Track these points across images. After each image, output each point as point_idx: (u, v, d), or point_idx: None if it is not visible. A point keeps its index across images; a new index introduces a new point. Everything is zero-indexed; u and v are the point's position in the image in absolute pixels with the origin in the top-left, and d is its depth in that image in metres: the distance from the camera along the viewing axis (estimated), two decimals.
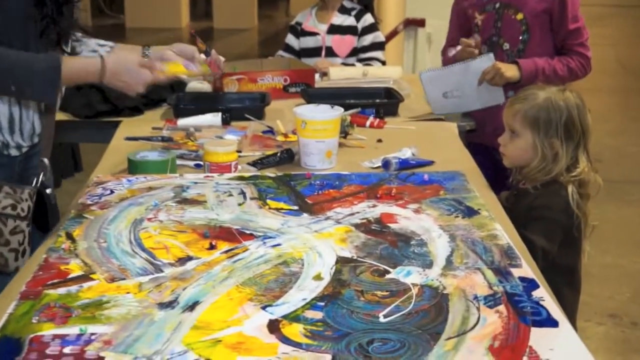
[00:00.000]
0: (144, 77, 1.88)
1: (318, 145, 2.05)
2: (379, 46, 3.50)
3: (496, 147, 2.11)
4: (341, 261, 1.45)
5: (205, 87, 2.97)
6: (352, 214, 1.69)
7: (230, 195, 1.80)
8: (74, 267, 1.42)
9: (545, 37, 2.62)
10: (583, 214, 1.94)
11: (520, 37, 2.62)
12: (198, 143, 2.27)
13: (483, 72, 2.58)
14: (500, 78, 2.56)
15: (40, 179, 1.72)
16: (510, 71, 2.56)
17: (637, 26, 11.50)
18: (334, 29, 3.46)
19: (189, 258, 1.47)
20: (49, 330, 1.20)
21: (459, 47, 2.67)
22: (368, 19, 3.47)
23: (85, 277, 1.38)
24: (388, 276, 1.39)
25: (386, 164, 2.06)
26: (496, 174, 2.29)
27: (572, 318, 1.95)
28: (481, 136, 2.73)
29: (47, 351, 1.14)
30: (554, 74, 2.53)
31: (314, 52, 3.49)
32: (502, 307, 1.27)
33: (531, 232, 1.84)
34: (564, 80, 2.52)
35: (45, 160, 1.77)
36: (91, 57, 1.93)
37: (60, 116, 2.40)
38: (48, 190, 1.72)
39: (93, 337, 1.18)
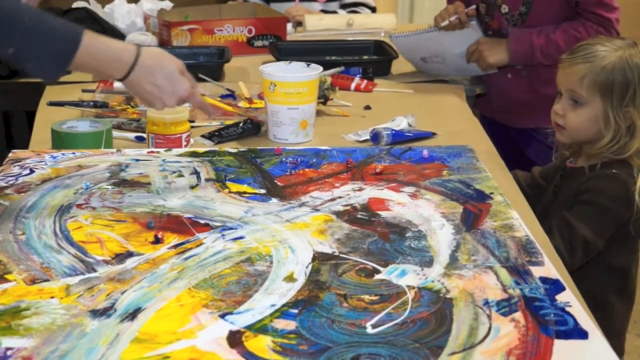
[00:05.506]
0: (182, 88, 1.78)
1: (290, 113, 2.05)
2: None
3: (511, 125, 2.12)
4: (319, 258, 1.46)
5: (149, 39, 2.96)
6: (333, 200, 1.70)
7: (181, 175, 1.81)
8: None
9: None
10: None
11: None
12: (139, 110, 2.27)
13: (468, 49, 2.61)
14: (483, 62, 2.59)
15: None
16: (494, 56, 2.57)
17: None
18: None
19: (129, 254, 1.47)
20: None
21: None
22: None
23: None
24: (377, 276, 1.40)
25: (376, 137, 2.07)
26: (513, 152, 2.31)
27: (621, 332, 1.97)
28: (491, 109, 2.73)
29: None
30: (557, 49, 2.45)
31: None
32: (518, 315, 1.28)
33: (575, 216, 1.86)
34: None
35: None
36: (122, 42, 1.79)
37: None
38: None
39: (9, 352, 1.17)
